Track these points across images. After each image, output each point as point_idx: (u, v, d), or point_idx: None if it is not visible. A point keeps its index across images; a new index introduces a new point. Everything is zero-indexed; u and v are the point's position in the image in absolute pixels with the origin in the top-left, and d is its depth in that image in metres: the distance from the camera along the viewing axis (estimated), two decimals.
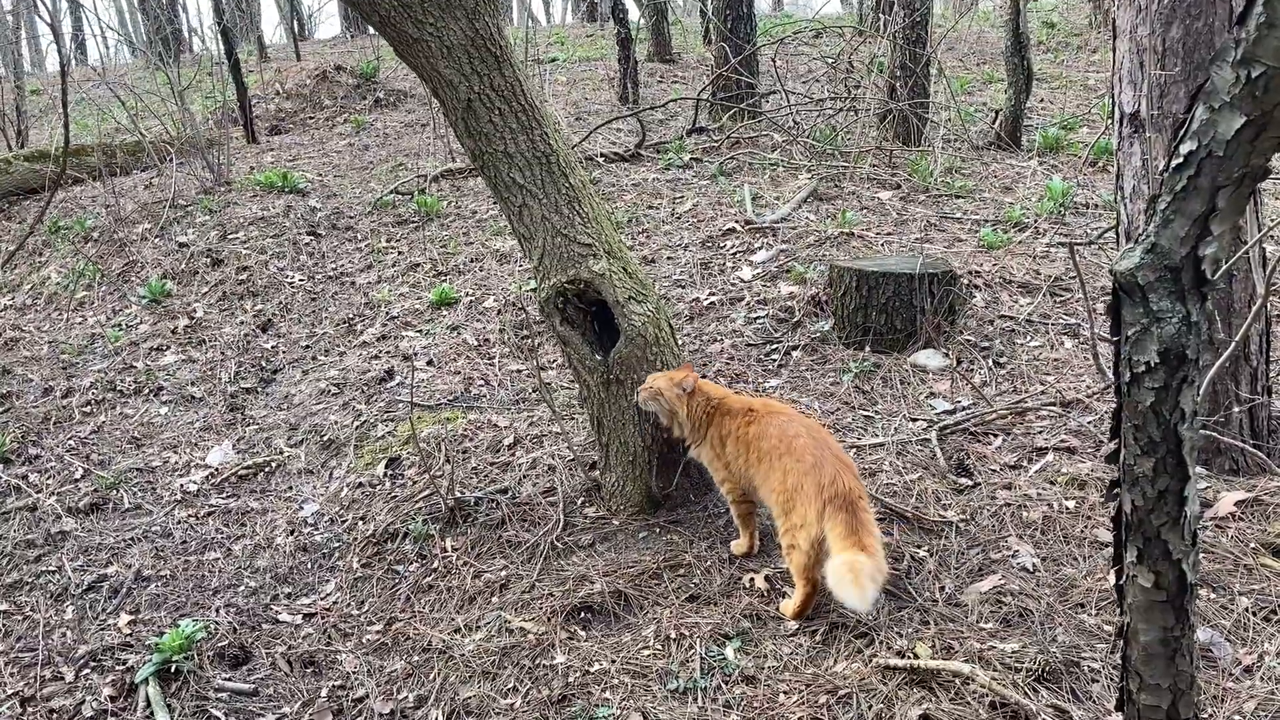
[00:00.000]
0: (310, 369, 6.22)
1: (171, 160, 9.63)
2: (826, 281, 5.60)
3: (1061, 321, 5.34)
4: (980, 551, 3.69)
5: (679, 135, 9.94)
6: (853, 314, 5.28)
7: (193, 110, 10.98)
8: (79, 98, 13.47)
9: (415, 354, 6.03)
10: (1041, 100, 11.06)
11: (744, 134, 9.57)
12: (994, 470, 4.17)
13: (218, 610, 4.14)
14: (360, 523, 4.55)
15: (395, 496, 4.63)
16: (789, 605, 3.48)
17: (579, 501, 4.33)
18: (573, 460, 4.53)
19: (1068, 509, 3.83)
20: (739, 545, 3.85)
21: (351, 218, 8.47)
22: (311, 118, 13.35)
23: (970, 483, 4.10)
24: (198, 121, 11.05)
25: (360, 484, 4.83)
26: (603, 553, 4.01)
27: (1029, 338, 5.24)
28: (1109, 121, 9.33)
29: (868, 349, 5.21)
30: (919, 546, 3.75)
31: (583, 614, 3.68)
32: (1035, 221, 6.87)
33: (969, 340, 5.22)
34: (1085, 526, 3.73)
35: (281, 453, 5.29)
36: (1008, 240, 6.40)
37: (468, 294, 6.73)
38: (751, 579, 3.68)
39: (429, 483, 4.55)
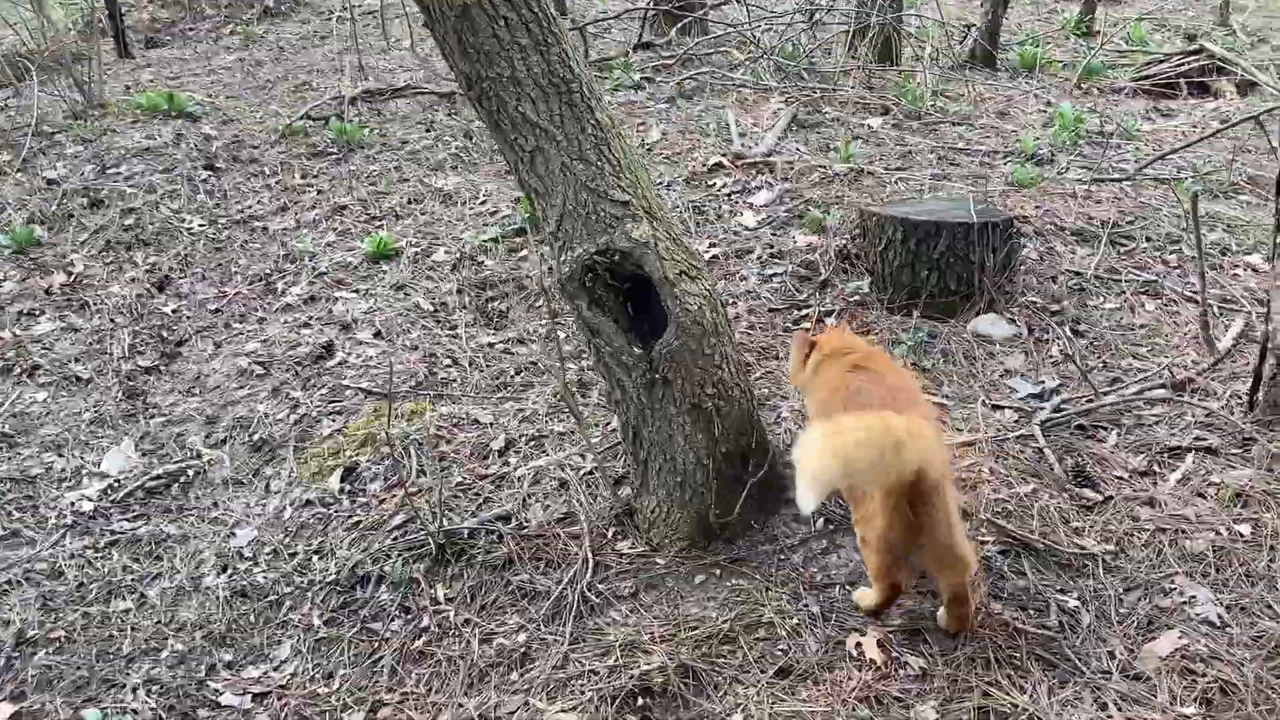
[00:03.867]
0: (224, 340, 5.09)
1: (31, 78, 8.14)
2: (858, 230, 4.71)
3: (1135, 277, 4.57)
4: (1143, 596, 2.91)
5: (624, 51, 8.86)
6: (896, 272, 4.42)
7: (54, 19, 9.44)
8: None
9: (356, 322, 4.95)
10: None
11: (698, 51, 8.54)
12: (1121, 478, 3.38)
13: (134, 690, 3.12)
14: (315, 558, 3.54)
15: (359, 522, 3.63)
16: (866, 597, 2.90)
17: (609, 532, 3.39)
18: (591, 473, 3.59)
19: (1240, 535, 3.06)
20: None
21: (255, 148, 7.21)
22: (192, 29, 11.79)
23: (1099, 496, 3.30)
24: (61, 31, 9.49)
25: (308, 501, 3.80)
26: (651, 606, 3.10)
27: (1102, 298, 4.46)
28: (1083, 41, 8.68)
29: (917, 315, 4.36)
30: (1064, 591, 2.94)
31: (640, 699, 2.78)
32: (1053, 154, 6.09)
33: (1034, 302, 4.42)
34: (1270, 560, 2.97)
35: (199, 456, 4.21)
36: (1039, 177, 5.58)
37: (411, 243, 5.63)
38: (859, 644, 2.82)
39: (403, 503, 3.57)
